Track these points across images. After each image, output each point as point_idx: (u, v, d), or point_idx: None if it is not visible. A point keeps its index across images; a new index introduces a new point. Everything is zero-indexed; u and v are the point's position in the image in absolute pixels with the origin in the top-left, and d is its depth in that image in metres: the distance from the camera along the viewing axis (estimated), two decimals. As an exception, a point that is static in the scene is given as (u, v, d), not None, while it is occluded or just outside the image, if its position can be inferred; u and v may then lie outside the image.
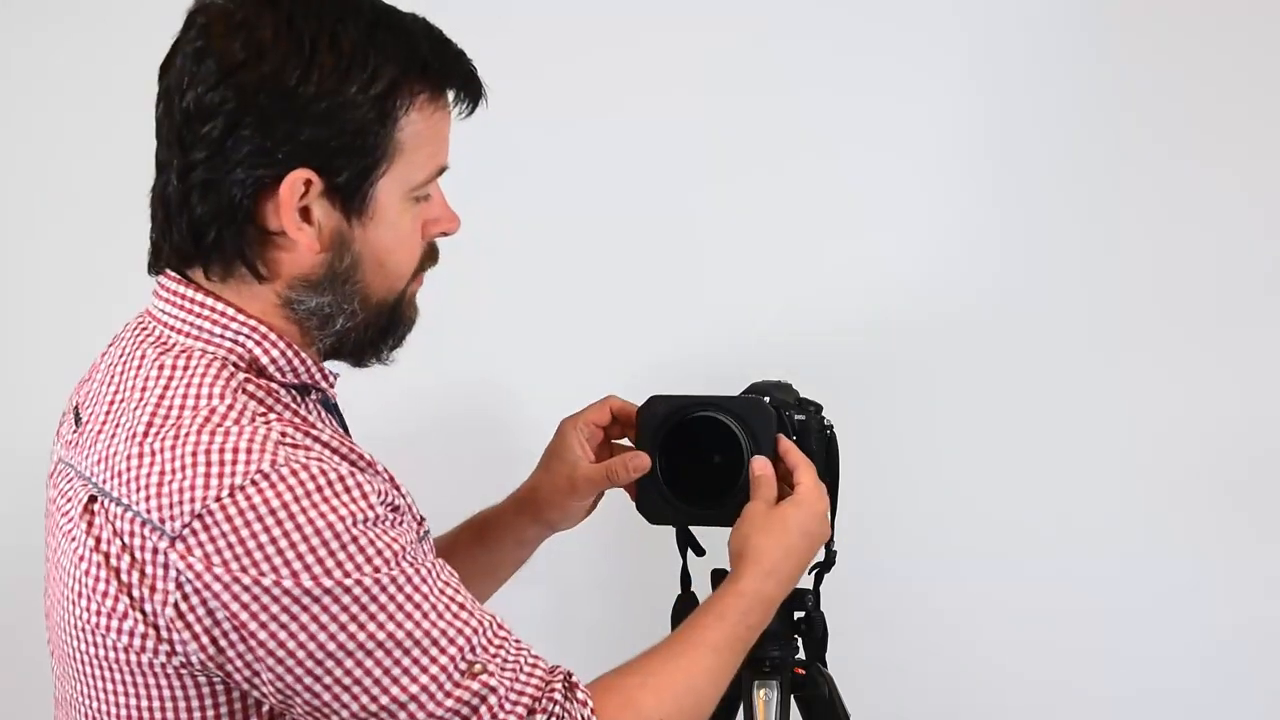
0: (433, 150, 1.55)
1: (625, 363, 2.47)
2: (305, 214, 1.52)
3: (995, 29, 2.49)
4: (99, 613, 1.49)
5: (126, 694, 1.51)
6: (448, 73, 1.55)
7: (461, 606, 1.50)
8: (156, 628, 1.47)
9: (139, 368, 1.54)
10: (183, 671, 1.48)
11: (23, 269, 2.60)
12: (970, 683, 2.52)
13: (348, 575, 1.44)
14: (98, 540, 1.48)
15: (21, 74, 2.58)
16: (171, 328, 1.56)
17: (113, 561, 1.47)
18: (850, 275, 2.52)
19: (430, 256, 1.62)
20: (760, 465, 1.78)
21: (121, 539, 1.47)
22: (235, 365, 1.53)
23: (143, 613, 1.47)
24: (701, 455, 1.80)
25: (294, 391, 1.57)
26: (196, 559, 1.43)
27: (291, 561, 1.43)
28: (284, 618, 1.43)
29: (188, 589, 1.44)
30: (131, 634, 1.48)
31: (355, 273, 1.55)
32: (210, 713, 1.51)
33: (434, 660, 1.47)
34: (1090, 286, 2.49)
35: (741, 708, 1.91)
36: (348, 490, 1.46)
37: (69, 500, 1.54)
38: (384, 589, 1.45)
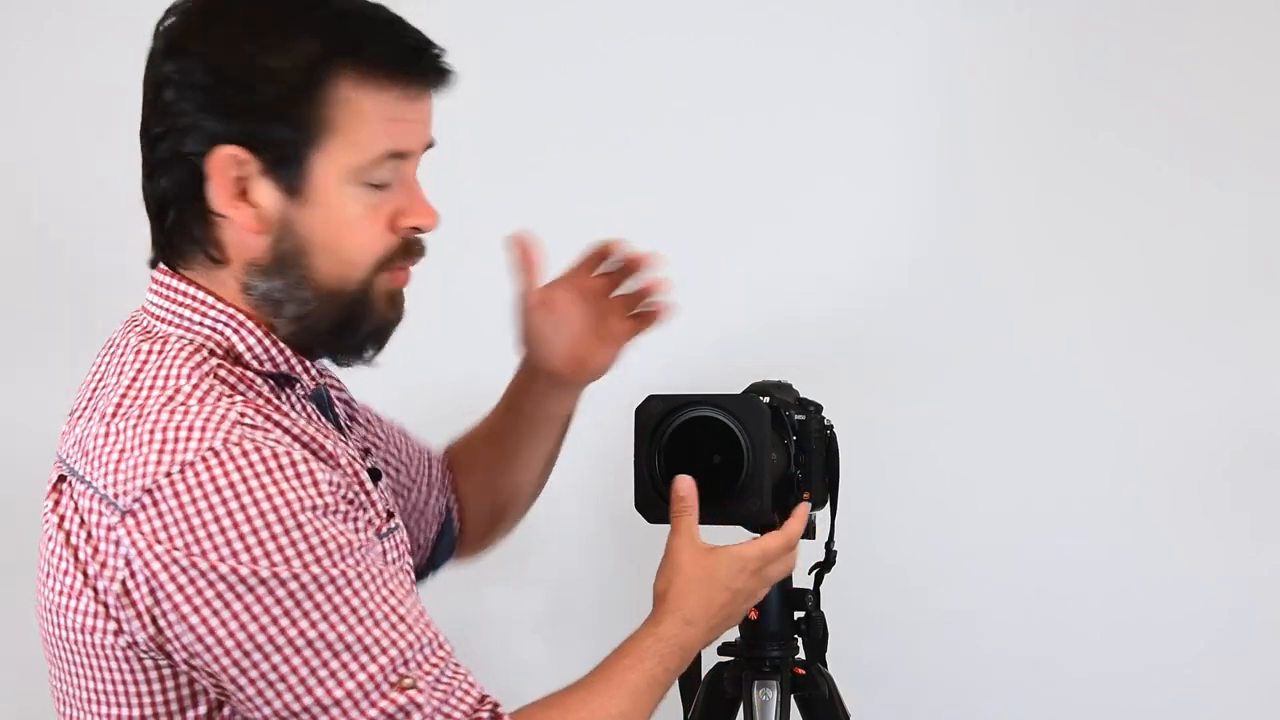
0: (375, 131, 1.53)
1: (625, 362, 2.47)
2: (245, 194, 1.52)
3: (987, 26, 2.49)
4: (61, 592, 1.50)
5: (88, 675, 1.52)
6: (381, 53, 1.53)
7: (401, 619, 1.48)
8: (106, 605, 1.47)
9: (121, 354, 1.56)
10: (130, 653, 1.49)
11: (22, 275, 2.60)
12: (970, 682, 2.52)
13: (288, 563, 1.43)
14: (61, 519, 1.50)
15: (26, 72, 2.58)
16: (157, 317, 1.57)
17: (72, 540, 1.49)
18: (851, 275, 2.52)
19: (405, 251, 1.58)
20: (684, 486, 1.72)
21: (81, 516, 1.49)
22: (211, 351, 1.54)
23: (94, 590, 1.48)
24: (700, 454, 1.79)
25: (272, 381, 1.56)
26: (142, 535, 1.44)
27: (233, 542, 1.42)
28: (217, 603, 1.43)
29: (135, 565, 1.45)
30: (86, 613, 1.49)
31: (302, 257, 1.53)
32: (159, 697, 1.51)
33: (363, 667, 1.45)
34: (1089, 284, 2.49)
35: (741, 708, 1.91)
36: (299, 476, 1.45)
37: (49, 485, 1.56)
38: (322, 587, 1.44)
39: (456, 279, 2.51)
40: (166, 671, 1.49)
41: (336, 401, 1.72)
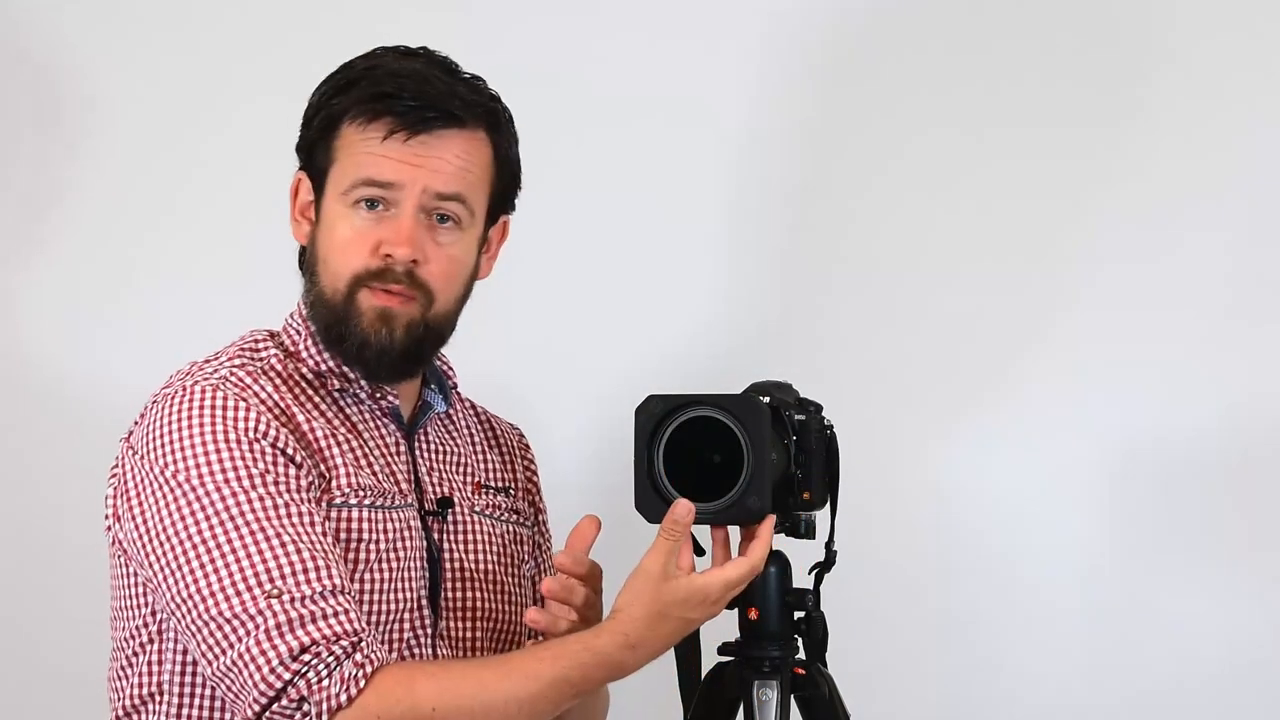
0: (356, 160, 1.80)
1: (625, 363, 2.47)
2: (308, 211, 1.85)
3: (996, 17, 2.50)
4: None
5: (111, 573, 1.82)
6: (362, 96, 1.80)
7: (291, 540, 1.69)
8: (113, 507, 1.79)
9: None
10: (114, 549, 1.80)
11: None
12: (970, 682, 2.52)
13: (190, 475, 1.71)
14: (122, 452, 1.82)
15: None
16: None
17: (113, 468, 1.81)
18: (852, 274, 2.52)
19: (380, 273, 1.80)
20: (683, 511, 1.72)
21: (123, 444, 1.82)
22: (280, 344, 1.85)
23: (107, 495, 1.80)
24: (699, 453, 1.79)
25: (321, 378, 1.84)
26: (127, 446, 1.79)
27: (166, 454, 1.72)
28: (149, 500, 1.73)
29: (122, 470, 1.78)
30: (106, 515, 1.80)
31: (315, 267, 1.84)
32: (129, 590, 1.80)
33: (240, 569, 1.67)
34: (1089, 285, 2.50)
35: (741, 708, 1.91)
36: (236, 415, 1.73)
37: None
38: (223, 498, 1.70)
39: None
40: (133, 568, 1.78)
41: (446, 435, 1.93)
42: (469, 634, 1.87)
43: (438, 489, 1.88)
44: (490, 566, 1.90)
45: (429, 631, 1.83)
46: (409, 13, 2.48)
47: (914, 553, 2.51)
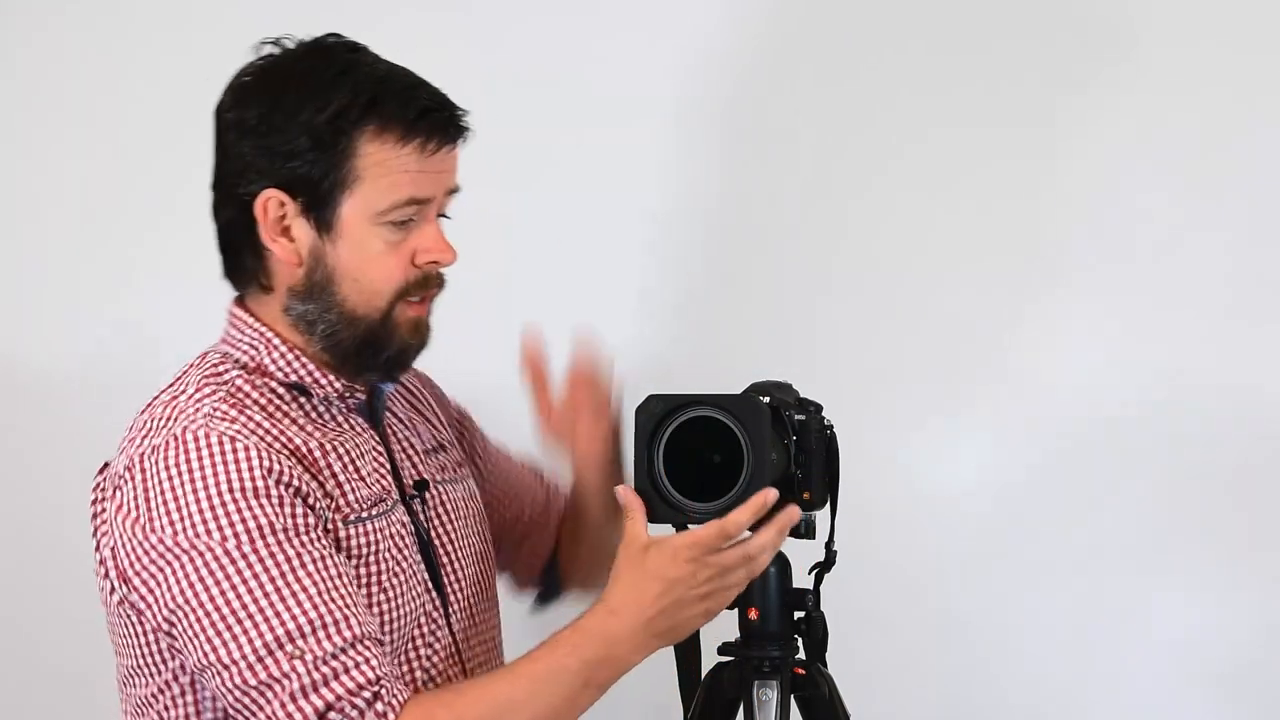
0: (394, 181, 1.75)
1: (624, 363, 2.47)
2: (287, 231, 1.77)
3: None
4: (94, 557, 1.76)
5: (110, 629, 1.79)
6: (395, 112, 1.75)
7: (308, 597, 1.67)
8: (106, 568, 1.74)
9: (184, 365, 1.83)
10: (122, 609, 1.75)
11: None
12: (970, 683, 2.52)
13: (199, 538, 1.67)
14: (93, 500, 1.77)
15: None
16: (221, 338, 1.83)
17: (95, 515, 1.76)
18: (852, 274, 2.52)
19: (423, 283, 1.80)
20: (621, 494, 1.77)
21: (102, 492, 1.76)
22: (237, 362, 1.79)
23: (99, 554, 1.75)
24: (699, 453, 1.79)
25: (294, 390, 1.79)
26: (117, 506, 1.72)
27: (166, 515, 1.68)
28: (152, 569, 1.69)
29: (116, 531, 1.72)
30: (100, 575, 1.76)
31: (331, 285, 1.78)
32: (147, 650, 1.76)
33: (261, 634, 1.66)
34: (1090, 286, 2.50)
35: (741, 708, 1.91)
36: (237, 459, 1.69)
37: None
38: (233, 560, 1.67)
39: (458, 280, 2.52)
40: (149, 626, 1.73)
41: (393, 415, 1.91)
42: (471, 605, 1.89)
43: (412, 473, 1.88)
44: (467, 531, 1.92)
45: (444, 613, 1.85)
46: (409, 13, 2.48)
47: (914, 553, 2.51)
